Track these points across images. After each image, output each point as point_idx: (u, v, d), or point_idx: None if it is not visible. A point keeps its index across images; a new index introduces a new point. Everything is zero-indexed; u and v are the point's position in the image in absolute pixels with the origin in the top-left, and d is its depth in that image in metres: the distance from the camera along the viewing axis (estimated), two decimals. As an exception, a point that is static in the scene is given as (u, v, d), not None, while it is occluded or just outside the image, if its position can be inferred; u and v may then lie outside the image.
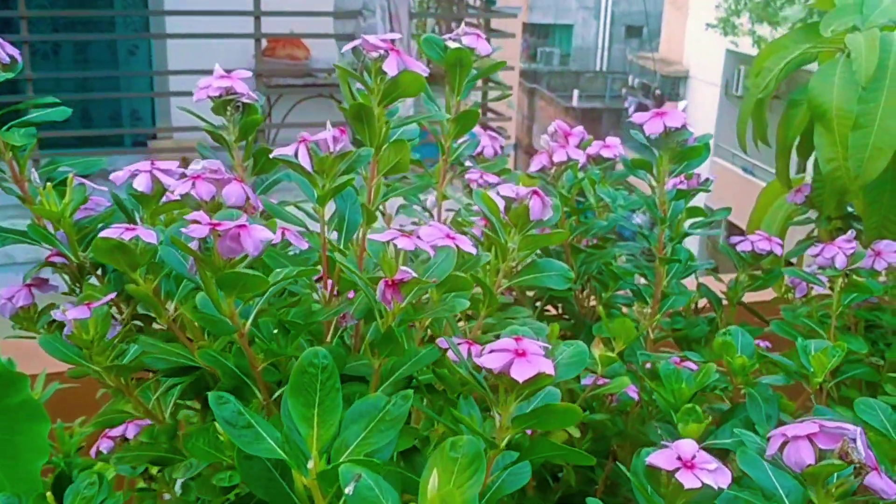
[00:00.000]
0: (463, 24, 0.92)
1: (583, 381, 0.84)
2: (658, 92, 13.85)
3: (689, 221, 1.10)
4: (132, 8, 5.30)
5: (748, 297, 1.15)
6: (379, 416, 0.45)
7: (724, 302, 1.15)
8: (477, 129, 1.02)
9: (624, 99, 15.16)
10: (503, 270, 0.69)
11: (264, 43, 4.81)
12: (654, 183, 0.98)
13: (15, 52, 0.75)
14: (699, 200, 1.07)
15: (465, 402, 0.56)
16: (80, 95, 4.91)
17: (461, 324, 0.79)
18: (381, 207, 0.77)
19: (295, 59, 5.02)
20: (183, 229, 0.51)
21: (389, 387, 0.58)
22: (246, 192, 0.65)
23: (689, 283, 1.09)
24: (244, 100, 0.76)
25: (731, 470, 0.52)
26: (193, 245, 0.51)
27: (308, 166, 0.60)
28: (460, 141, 0.98)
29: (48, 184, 0.68)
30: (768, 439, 0.53)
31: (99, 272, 0.73)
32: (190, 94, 0.77)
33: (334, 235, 0.68)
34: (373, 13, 4.45)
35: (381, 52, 0.66)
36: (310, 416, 0.44)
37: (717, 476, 0.49)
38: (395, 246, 0.54)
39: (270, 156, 0.61)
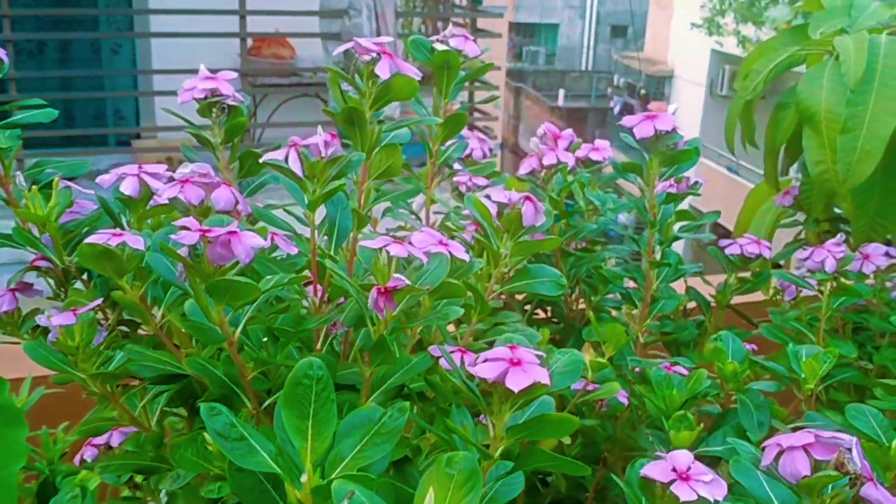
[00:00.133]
0: (451, 25, 0.92)
1: (573, 387, 0.84)
2: (643, 91, 13.89)
3: (678, 225, 1.10)
4: (116, 7, 5.26)
5: (736, 299, 1.15)
6: (374, 428, 0.45)
7: (713, 304, 1.15)
8: (465, 130, 1.01)
9: (609, 98, 15.19)
10: (495, 276, 0.69)
11: (249, 42, 4.78)
12: (643, 186, 0.98)
13: (1, 52, 0.73)
14: (685, 200, 1.07)
15: (458, 411, 0.55)
16: (64, 95, 4.88)
17: (450, 329, 0.79)
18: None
19: (280, 58, 5.00)
20: (172, 235, 0.50)
21: (381, 396, 0.57)
22: (235, 196, 0.64)
23: (678, 285, 1.09)
24: (230, 101, 0.75)
25: (724, 478, 0.52)
26: (183, 251, 0.50)
27: (299, 171, 0.59)
28: (448, 144, 0.97)
29: (34, 186, 0.67)
30: (763, 449, 0.53)
31: (84, 277, 0.72)
32: (174, 93, 0.76)
33: (324, 240, 0.67)
34: (359, 12, 4.43)
35: (374, 55, 0.65)
36: (304, 428, 0.43)
37: (712, 488, 0.48)
38: (387, 253, 0.54)
39: (260, 160, 0.60)
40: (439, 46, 0.84)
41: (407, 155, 0.97)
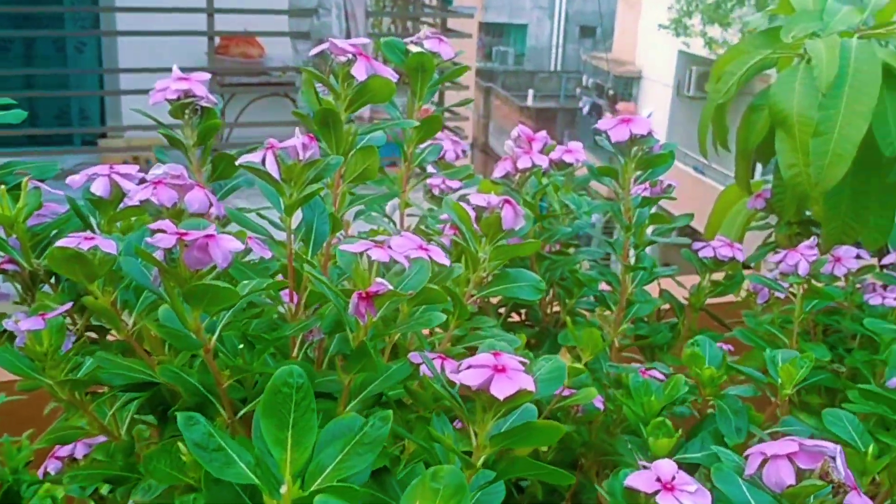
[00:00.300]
0: (426, 28, 0.91)
1: (550, 391, 0.83)
2: (611, 92, 13.97)
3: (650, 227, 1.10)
4: (81, 4, 5.18)
5: (708, 301, 1.15)
6: (356, 438, 0.43)
7: (685, 303, 1.15)
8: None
9: (578, 99, 15.27)
10: (474, 281, 0.68)
11: (217, 40, 4.74)
12: (618, 189, 0.98)
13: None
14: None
15: (439, 419, 0.54)
16: (28, 93, 4.79)
17: (425, 334, 0.78)
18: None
19: (249, 57, 4.96)
20: (148, 239, 0.48)
21: (359, 404, 0.56)
22: (209, 198, 0.63)
23: (651, 287, 1.09)
24: (203, 103, 0.74)
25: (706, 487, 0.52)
26: (158, 255, 0.49)
27: (276, 174, 0.57)
28: (423, 146, 0.96)
29: (2, 187, 0.65)
30: (746, 457, 0.52)
31: (52, 280, 0.70)
32: (140, 92, 0.74)
33: (299, 245, 0.66)
34: (328, 11, 4.40)
35: (349, 55, 0.64)
36: (283, 438, 0.42)
37: (697, 498, 0.48)
38: (368, 257, 0.52)
39: (237, 163, 0.59)
40: (414, 48, 0.83)
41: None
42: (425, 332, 0.78)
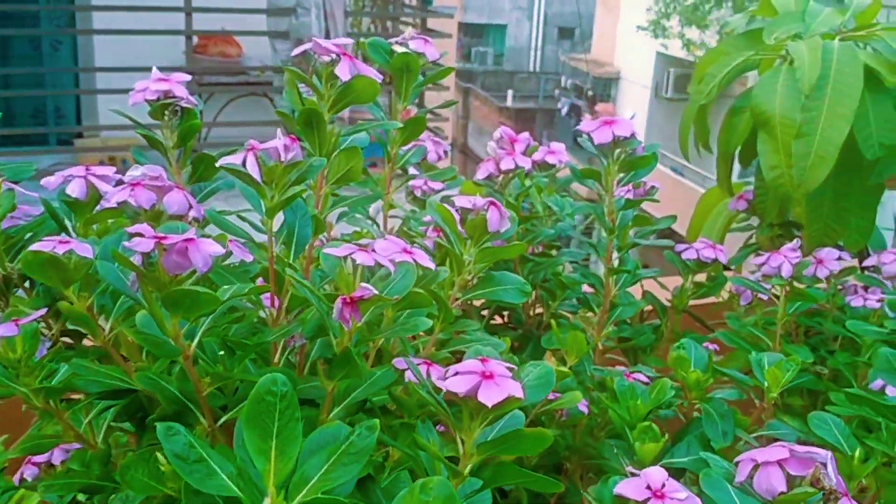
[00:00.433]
0: (409, 29, 0.89)
1: (534, 396, 0.82)
2: (590, 93, 14.01)
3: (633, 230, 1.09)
4: (57, 2, 5.12)
5: (691, 302, 1.15)
6: (342, 447, 0.42)
7: (667, 305, 1.15)
8: (419, 133, 0.99)
9: (557, 100, 15.29)
10: (458, 284, 0.67)
11: (195, 40, 4.70)
12: (602, 191, 0.97)
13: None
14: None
15: (424, 425, 0.53)
16: (3, 92, 4.73)
17: (409, 338, 0.77)
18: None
19: (227, 56, 4.92)
20: (125, 243, 0.47)
21: (342, 411, 0.55)
22: (188, 200, 0.61)
23: (634, 289, 1.09)
24: (183, 104, 0.72)
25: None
26: (136, 259, 0.47)
27: (257, 176, 0.56)
28: (406, 147, 0.95)
29: (-28, 189, 0.63)
30: (736, 464, 0.52)
31: (27, 285, 0.68)
32: (117, 91, 0.73)
33: (280, 248, 0.64)
34: (307, 11, 4.38)
35: (333, 55, 0.62)
36: (266, 448, 0.41)
37: (688, 505, 0.47)
38: (353, 261, 0.51)
39: (217, 164, 0.57)
40: (398, 49, 0.82)
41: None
42: (410, 335, 0.77)
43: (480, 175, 1.05)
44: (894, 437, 0.75)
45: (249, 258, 0.63)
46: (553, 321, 0.96)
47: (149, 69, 0.76)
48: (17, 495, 0.63)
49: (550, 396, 0.82)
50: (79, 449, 0.64)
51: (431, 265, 0.56)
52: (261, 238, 0.66)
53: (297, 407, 0.42)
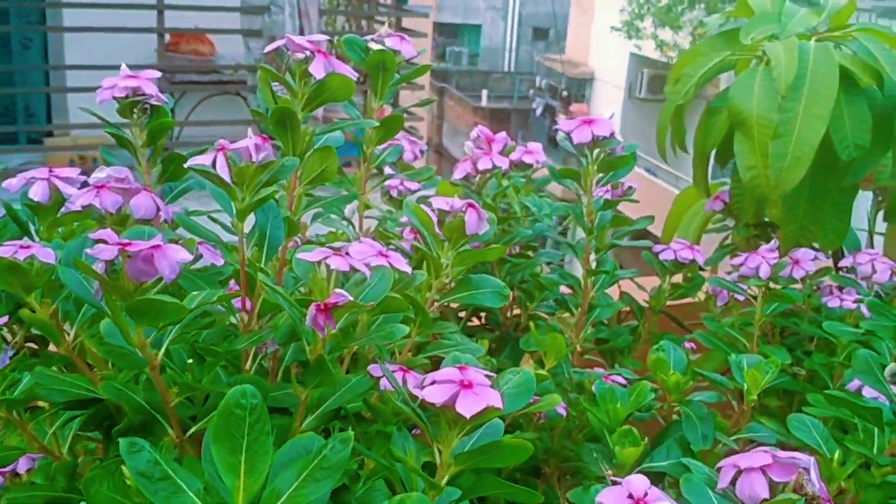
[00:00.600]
0: (385, 27, 0.88)
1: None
2: (565, 93, 14.04)
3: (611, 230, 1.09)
4: (27, -1, 5.04)
5: (668, 302, 1.14)
6: (314, 461, 0.40)
7: (645, 305, 1.15)
8: (395, 132, 0.98)
9: (532, 100, 15.31)
10: (436, 287, 0.65)
11: (167, 38, 4.64)
12: (580, 192, 0.96)
13: None
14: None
15: (400, 434, 0.52)
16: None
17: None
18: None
19: (200, 54, 4.87)
20: (88, 250, 0.45)
21: (316, 419, 0.53)
22: (156, 202, 0.59)
23: (612, 290, 1.08)
24: (153, 101, 0.70)
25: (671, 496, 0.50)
26: (99, 267, 0.45)
27: (227, 177, 0.54)
28: (382, 147, 0.94)
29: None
30: (718, 470, 0.51)
31: (-13, 291, 0.65)
32: (88, 90, 0.71)
33: (252, 250, 0.63)
34: (281, 9, 4.35)
35: (307, 53, 0.61)
36: (236, 463, 0.39)
37: (672, 515, 0.46)
38: (327, 266, 0.50)
39: (185, 165, 0.55)
40: (374, 46, 0.80)
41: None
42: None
43: (458, 175, 1.03)
44: (872, 438, 0.75)
45: (220, 262, 0.61)
46: (531, 323, 0.95)
47: (120, 67, 0.73)
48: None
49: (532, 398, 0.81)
50: (43, 460, 0.62)
51: (408, 269, 0.54)
52: (233, 240, 0.64)
53: (268, 420, 0.40)
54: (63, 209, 0.61)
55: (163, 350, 0.50)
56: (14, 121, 5.24)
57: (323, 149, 0.65)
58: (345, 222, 0.93)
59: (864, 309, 1.02)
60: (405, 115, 0.85)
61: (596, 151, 0.92)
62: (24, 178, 0.60)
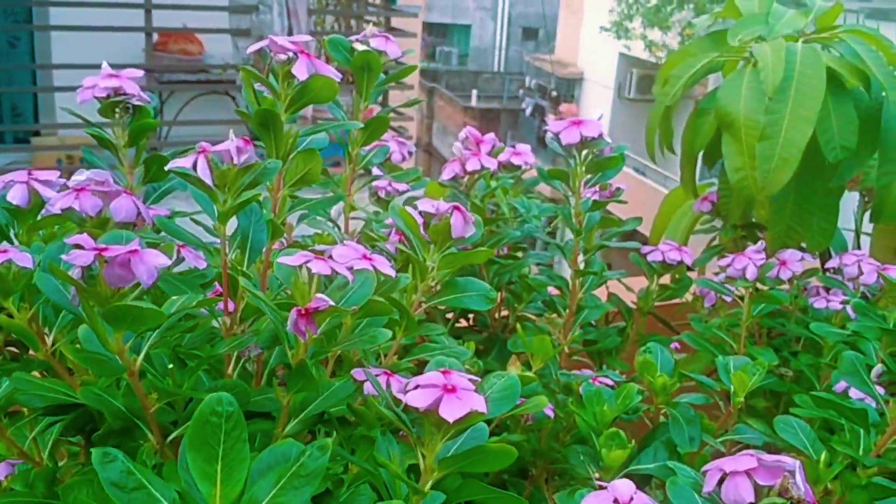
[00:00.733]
0: (371, 25, 0.87)
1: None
2: (554, 93, 14.05)
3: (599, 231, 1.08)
4: (13, -2, 5.01)
5: (656, 303, 1.14)
6: (292, 469, 0.40)
7: (632, 307, 1.15)
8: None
9: (521, 100, 15.32)
10: (421, 289, 0.65)
11: (155, 37, 4.62)
12: (568, 193, 0.96)
13: None
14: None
15: (384, 438, 0.51)
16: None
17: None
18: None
19: (188, 54, 4.85)
20: (63, 255, 0.44)
21: (299, 424, 0.52)
22: (137, 206, 0.58)
23: (600, 291, 1.08)
24: (135, 101, 0.70)
25: (654, 497, 0.50)
26: (75, 273, 0.45)
27: (208, 180, 0.54)
28: (368, 148, 0.93)
29: None
30: (704, 473, 0.50)
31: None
32: (75, 89, 0.70)
33: (235, 253, 0.62)
34: (269, 8, 4.34)
35: (290, 54, 0.60)
36: (212, 472, 0.38)
37: (657, 520, 0.45)
38: (308, 270, 0.49)
39: (166, 168, 0.55)
40: (359, 46, 0.80)
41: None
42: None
43: (446, 176, 1.03)
44: (858, 439, 0.75)
45: (203, 265, 0.60)
46: (519, 324, 0.95)
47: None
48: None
49: (517, 402, 0.80)
50: (23, 466, 0.61)
51: (392, 272, 0.54)
52: (217, 242, 0.63)
53: (245, 427, 0.39)
54: (43, 212, 0.60)
55: (142, 355, 0.50)
56: (1, 120, 5.21)
57: (307, 150, 0.64)
58: (330, 224, 0.92)
59: (850, 310, 1.02)
60: (394, 115, 0.85)
61: (584, 152, 0.92)
62: (2, 181, 0.59)
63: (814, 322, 0.99)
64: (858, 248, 1.40)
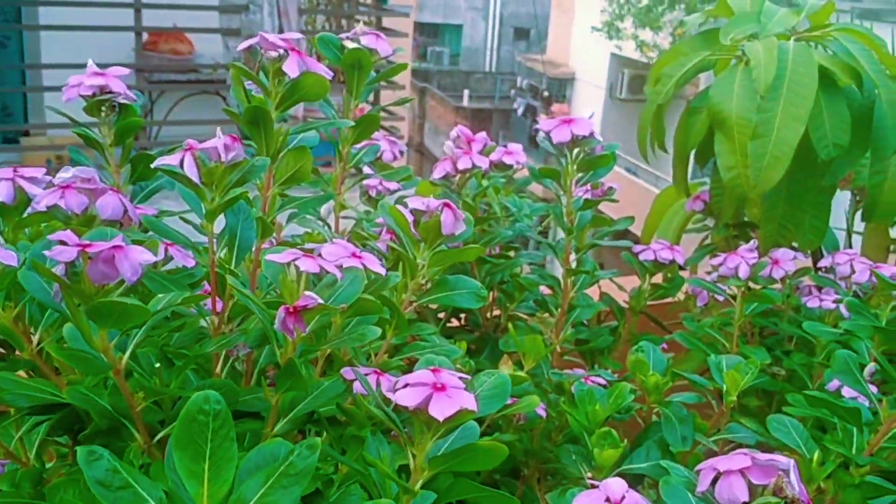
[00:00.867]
0: (361, 24, 0.87)
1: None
2: (546, 93, 14.07)
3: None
4: (2, -3, 4.98)
5: (648, 303, 1.14)
6: (281, 468, 0.39)
7: (625, 306, 1.14)
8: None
9: (513, 100, 15.34)
10: (412, 288, 0.64)
11: (145, 36, 4.60)
12: (560, 191, 0.96)
13: None
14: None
15: (374, 438, 0.51)
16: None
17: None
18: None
19: (178, 53, 4.83)
20: (46, 252, 0.43)
21: (288, 423, 0.52)
22: (123, 203, 0.58)
23: (592, 290, 1.08)
24: (121, 100, 0.69)
25: (647, 497, 0.49)
26: (59, 269, 0.44)
27: (195, 178, 0.53)
28: (359, 146, 0.93)
29: None
30: (698, 472, 0.50)
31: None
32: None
33: (224, 252, 0.61)
34: (260, 8, 4.32)
35: (281, 51, 0.59)
36: (199, 471, 0.38)
37: (650, 519, 0.45)
38: (296, 268, 0.48)
39: (152, 165, 0.54)
40: (350, 44, 0.79)
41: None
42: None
43: (437, 174, 1.02)
44: (851, 438, 0.75)
45: (191, 263, 0.60)
46: (510, 323, 0.94)
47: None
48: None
49: (508, 401, 0.80)
50: (10, 466, 0.60)
51: (382, 270, 0.53)
52: (206, 241, 0.62)
53: (232, 425, 0.39)
54: (28, 210, 0.60)
55: (128, 354, 0.49)
56: (-9, 120, 5.18)
57: (297, 148, 0.64)
58: (321, 223, 0.92)
59: (843, 309, 1.02)
60: (386, 115, 0.84)
61: (576, 151, 0.91)
62: (-13, 178, 0.59)
63: (806, 321, 0.98)
64: (850, 247, 1.40)
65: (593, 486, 0.47)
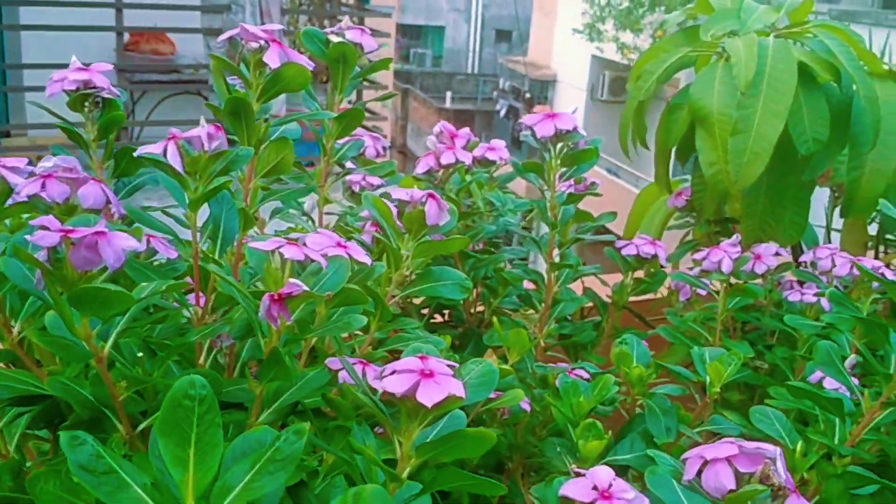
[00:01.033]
0: (346, 19, 0.87)
1: (475, 395, 0.80)
2: (528, 95, 14.11)
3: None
4: (-19, -4, 4.93)
5: (630, 298, 1.14)
6: (267, 454, 0.39)
7: (608, 301, 1.15)
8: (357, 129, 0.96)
9: (495, 101, 15.37)
10: (396, 279, 0.64)
11: (126, 37, 4.57)
12: (543, 186, 0.96)
13: None
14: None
15: (360, 428, 0.50)
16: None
17: (344, 336, 0.74)
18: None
19: (160, 54, 4.80)
20: (28, 237, 0.43)
21: (272, 414, 0.51)
22: (106, 193, 0.57)
23: (575, 285, 1.08)
24: (104, 94, 0.68)
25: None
26: (41, 255, 0.44)
27: (178, 167, 0.53)
28: (342, 141, 0.92)
29: None
30: (684, 461, 0.50)
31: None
32: (45, 89, 0.68)
33: (207, 244, 0.61)
34: (242, 8, 4.31)
35: (262, 42, 0.59)
36: (184, 457, 0.37)
37: (636, 505, 0.45)
38: (280, 255, 0.48)
39: (135, 154, 0.54)
40: (335, 38, 0.79)
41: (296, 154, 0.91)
42: (345, 334, 0.74)
43: (420, 169, 1.02)
44: (833, 429, 0.75)
45: (174, 255, 0.59)
46: (495, 318, 0.94)
47: (78, 66, 0.71)
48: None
49: (492, 395, 0.80)
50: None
51: (367, 260, 0.53)
52: (189, 234, 0.62)
53: (218, 411, 0.38)
54: (10, 200, 0.59)
55: (110, 342, 0.48)
56: (-31, 121, 5.13)
57: (278, 140, 0.63)
58: (304, 217, 0.91)
59: (824, 302, 1.03)
60: (369, 116, 0.84)
61: (559, 146, 0.91)
62: (-33, 168, 0.58)
63: (788, 315, 0.99)
64: (829, 242, 1.41)
65: (579, 475, 0.47)
